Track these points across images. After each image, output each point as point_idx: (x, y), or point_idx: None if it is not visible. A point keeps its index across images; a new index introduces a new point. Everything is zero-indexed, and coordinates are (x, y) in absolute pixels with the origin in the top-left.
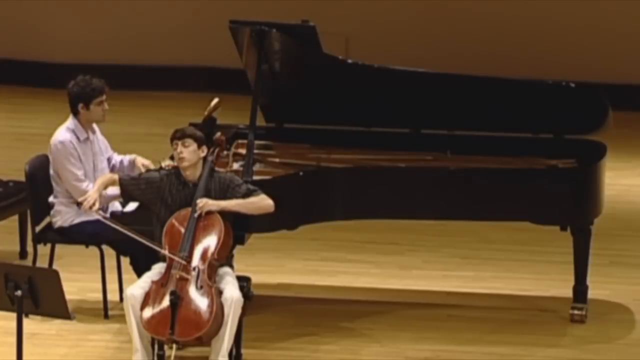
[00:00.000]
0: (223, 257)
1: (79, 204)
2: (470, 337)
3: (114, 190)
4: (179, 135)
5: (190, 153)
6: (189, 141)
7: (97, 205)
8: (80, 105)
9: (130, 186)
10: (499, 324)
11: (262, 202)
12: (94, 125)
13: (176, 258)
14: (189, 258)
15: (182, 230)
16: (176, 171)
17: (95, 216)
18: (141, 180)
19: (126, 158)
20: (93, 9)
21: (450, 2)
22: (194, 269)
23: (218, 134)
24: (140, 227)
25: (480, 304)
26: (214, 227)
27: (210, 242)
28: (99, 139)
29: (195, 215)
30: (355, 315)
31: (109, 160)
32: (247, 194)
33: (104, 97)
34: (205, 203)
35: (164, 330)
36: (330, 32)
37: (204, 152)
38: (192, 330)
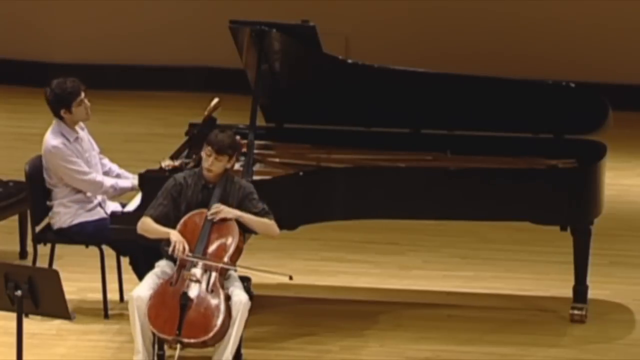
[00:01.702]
0: (235, 261)
1: (171, 253)
2: (470, 337)
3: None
4: (216, 149)
5: (220, 167)
6: (224, 157)
7: (187, 249)
8: (62, 111)
9: (160, 212)
10: (499, 324)
11: (272, 227)
12: (80, 122)
13: (189, 259)
14: (202, 260)
15: (196, 231)
16: (193, 174)
17: (188, 259)
18: (162, 200)
19: (125, 175)
20: (93, 9)
21: (450, 2)
22: (206, 271)
23: (237, 138)
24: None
25: (480, 304)
26: (228, 232)
27: (224, 246)
28: (87, 135)
29: (209, 218)
30: (355, 315)
31: (102, 164)
32: (262, 214)
33: (83, 95)
34: (222, 210)
35: (171, 329)
36: (330, 32)
37: (232, 162)
38: (200, 333)
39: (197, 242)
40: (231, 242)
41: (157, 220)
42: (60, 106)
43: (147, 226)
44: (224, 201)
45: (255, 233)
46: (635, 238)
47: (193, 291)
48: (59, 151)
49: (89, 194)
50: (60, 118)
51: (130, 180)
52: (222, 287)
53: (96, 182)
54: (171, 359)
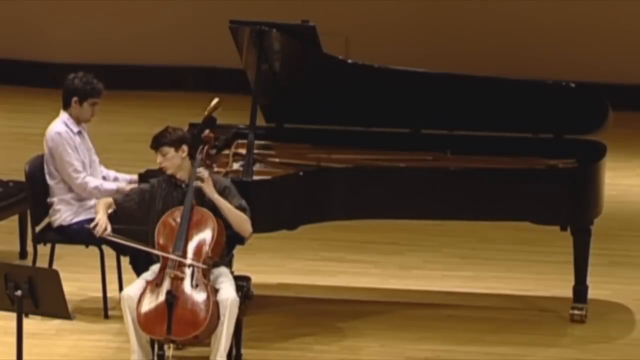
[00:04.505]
0: (217, 255)
1: (92, 230)
2: (470, 337)
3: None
4: (154, 146)
5: (170, 160)
6: (165, 149)
7: (109, 229)
8: (74, 99)
9: (125, 203)
10: (499, 324)
11: (246, 222)
12: (83, 123)
13: (171, 256)
14: (183, 257)
15: (175, 229)
16: (167, 177)
17: (109, 239)
18: (134, 195)
19: (123, 177)
20: (93, 9)
21: (450, 1)
22: (189, 267)
23: (206, 132)
24: (140, 227)
25: (480, 304)
26: (207, 226)
27: (203, 240)
28: (87, 137)
29: (194, 185)
30: (355, 315)
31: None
32: (239, 209)
33: (99, 100)
34: (207, 177)
35: (161, 330)
36: (330, 32)
37: (184, 151)
38: (189, 329)
39: (177, 238)
40: (210, 235)
41: (120, 207)
42: (76, 95)
43: (100, 203)
44: (199, 196)
45: (230, 228)
46: (635, 238)
47: (178, 288)
48: (60, 137)
49: None
50: (66, 108)
51: (115, 183)
52: (208, 281)
53: (82, 183)
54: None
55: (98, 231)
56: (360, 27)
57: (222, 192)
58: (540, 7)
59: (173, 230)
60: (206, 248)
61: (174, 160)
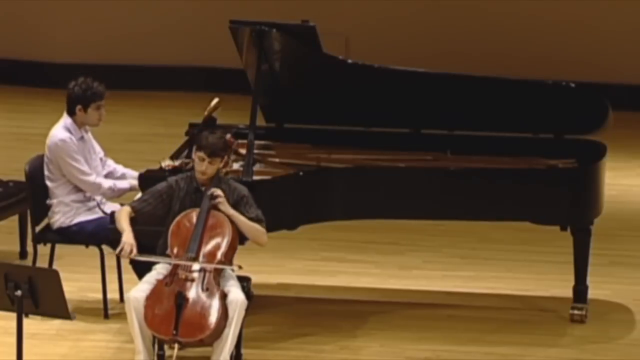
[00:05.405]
0: (229, 260)
1: (118, 254)
2: (470, 337)
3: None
4: (208, 152)
5: (213, 169)
6: (216, 159)
7: (135, 250)
8: (78, 107)
9: (143, 209)
10: (499, 324)
11: (262, 235)
12: (86, 126)
13: (182, 263)
14: (195, 259)
15: (189, 231)
16: (186, 177)
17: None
18: (150, 199)
19: (131, 173)
20: (93, 9)
21: (450, 1)
22: (201, 270)
23: (228, 136)
24: (143, 227)
25: (480, 304)
26: (222, 229)
27: (218, 244)
28: (91, 138)
29: (208, 194)
30: (355, 315)
31: (103, 164)
32: (255, 220)
33: (103, 102)
34: (222, 195)
35: (168, 329)
36: (330, 32)
37: (225, 164)
38: (196, 332)
39: (191, 241)
40: (225, 240)
41: (139, 214)
42: (79, 103)
43: (120, 215)
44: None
45: (244, 237)
46: (635, 238)
47: (188, 290)
48: (65, 145)
49: (88, 194)
50: (71, 115)
51: (128, 181)
52: (218, 284)
53: (95, 183)
54: (170, 359)
55: (124, 255)
56: (360, 27)
57: (240, 201)
58: (541, 7)
59: (187, 231)
60: (220, 252)
61: (214, 170)
